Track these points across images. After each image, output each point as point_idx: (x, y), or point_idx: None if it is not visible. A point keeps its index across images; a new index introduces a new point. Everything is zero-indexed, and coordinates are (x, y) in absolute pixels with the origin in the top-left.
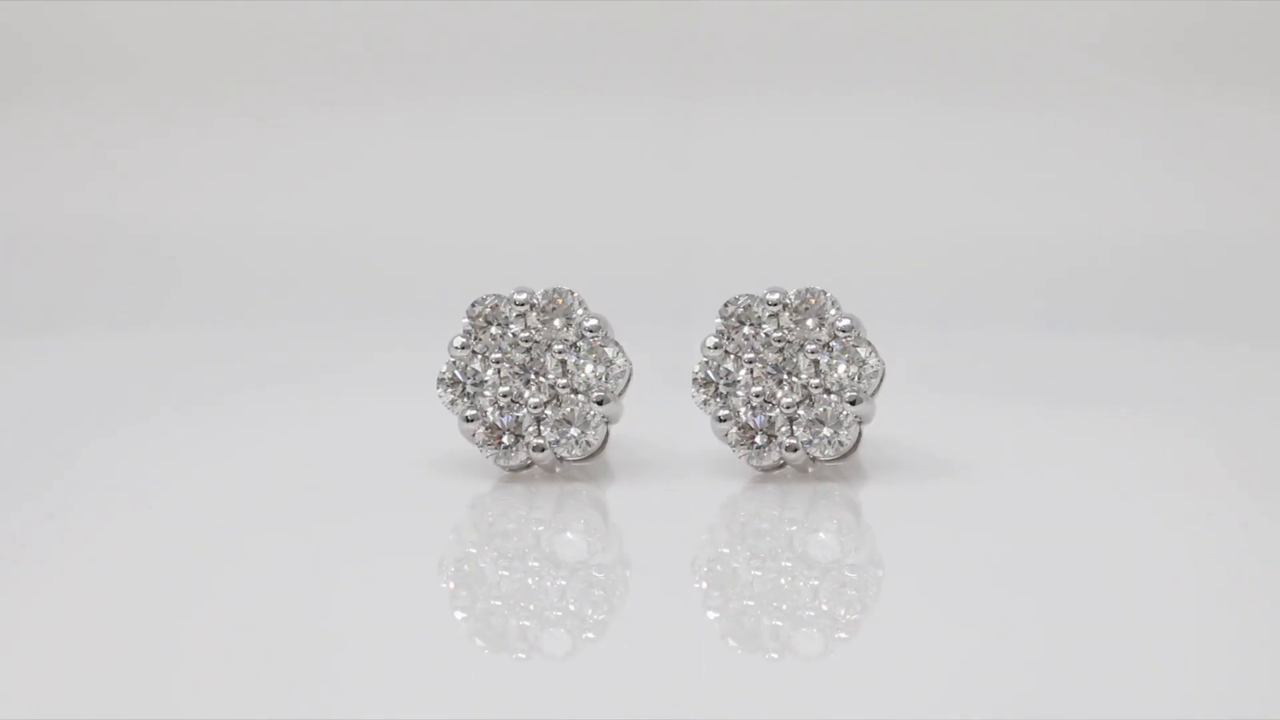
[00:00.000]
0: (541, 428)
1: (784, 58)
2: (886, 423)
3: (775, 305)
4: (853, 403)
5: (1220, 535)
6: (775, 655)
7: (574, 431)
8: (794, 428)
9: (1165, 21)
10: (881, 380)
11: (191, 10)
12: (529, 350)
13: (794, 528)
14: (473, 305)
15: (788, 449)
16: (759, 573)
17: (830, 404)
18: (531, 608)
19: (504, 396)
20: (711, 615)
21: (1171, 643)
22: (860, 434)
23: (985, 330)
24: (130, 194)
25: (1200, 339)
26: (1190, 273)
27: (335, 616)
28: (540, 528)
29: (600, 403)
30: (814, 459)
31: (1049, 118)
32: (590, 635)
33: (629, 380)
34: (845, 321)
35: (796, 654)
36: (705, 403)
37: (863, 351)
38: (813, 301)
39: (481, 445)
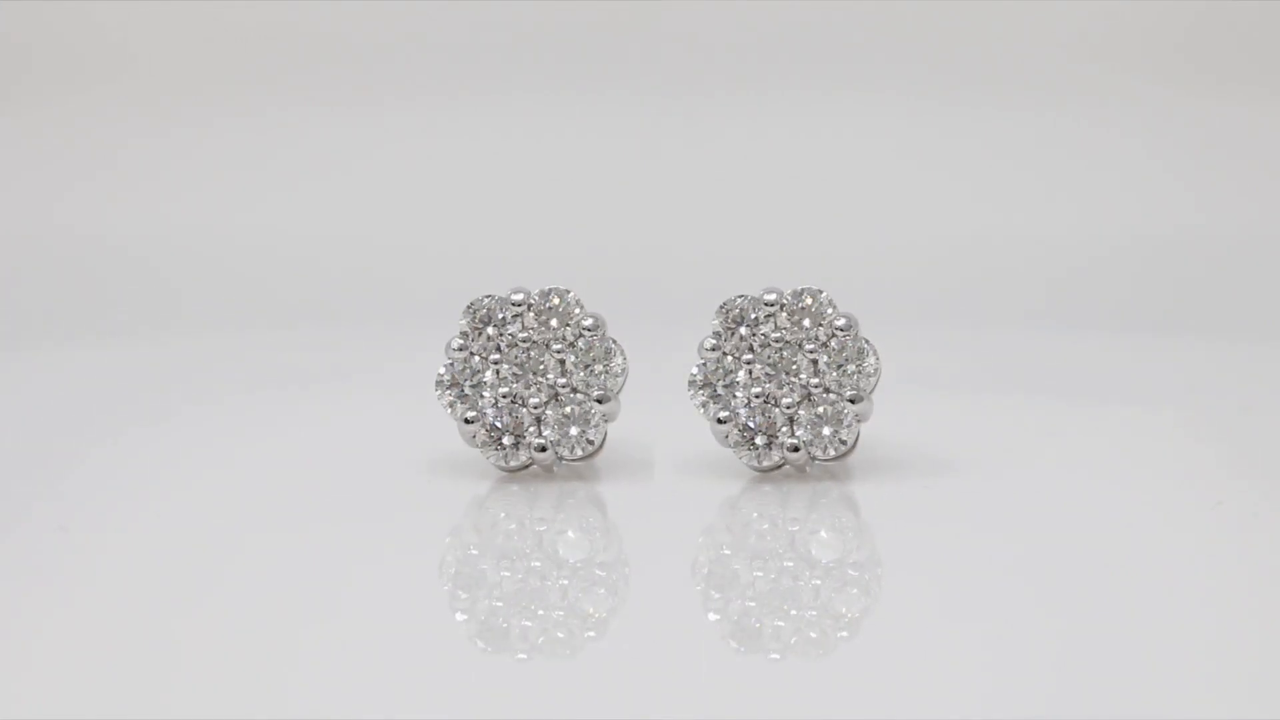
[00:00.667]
0: (542, 428)
1: (782, 58)
2: (883, 422)
3: (772, 305)
4: (853, 401)
5: (1231, 525)
6: (777, 656)
7: (575, 431)
8: (794, 428)
9: (1162, 21)
10: (878, 379)
11: (187, 11)
12: (527, 350)
13: (796, 528)
14: (469, 306)
15: (790, 449)
16: (760, 573)
17: (830, 403)
18: (533, 608)
19: (504, 397)
20: (713, 617)
21: (1185, 637)
22: (859, 433)
23: (981, 329)
24: (125, 199)
25: (1199, 337)
26: (1187, 271)
27: (336, 618)
28: (542, 528)
29: (600, 401)
30: (814, 458)
31: (1045, 117)
32: (591, 634)
33: (625, 378)
34: (843, 321)
35: (798, 654)
36: (704, 405)
37: (861, 350)
38: (809, 301)
39: (482, 446)
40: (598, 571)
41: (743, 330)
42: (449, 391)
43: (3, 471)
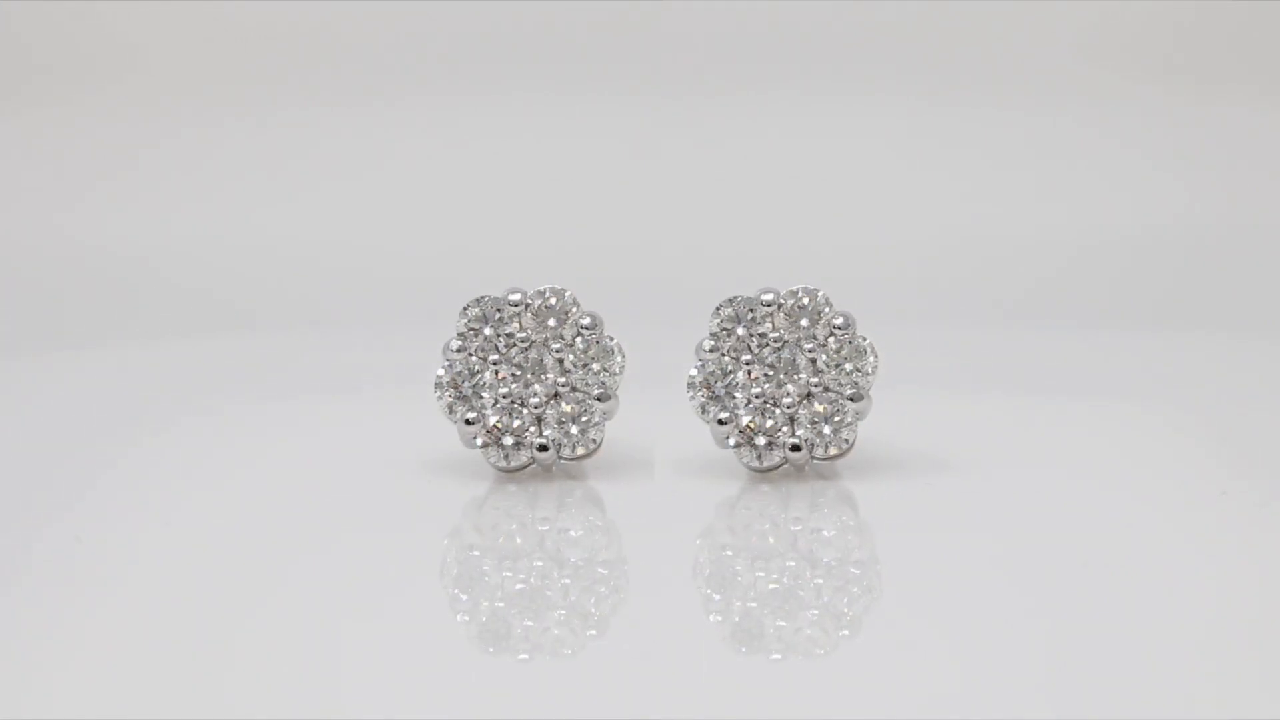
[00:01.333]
0: (543, 427)
1: (780, 58)
2: (883, 421)
3: (769, 305)
4: (853, 399)
5: (1231, 521)
6: (778, 656)
7: (575, 430)
8: (795, 427)
9: (1156, 21)
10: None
11: (182, 11)
12: (526, 350)
13: (797, 528)
14: (466, 307)
15: (791, 449)
16: (762, 574)
17: (830, 402)
18: (535, 608)
19: (504, 397)
20: (714, 617)
21: (1186, 636)
22: (857, 431)
23: (978, 327)
24: (121, 204)
25: (1190, 332)
26: (1177, 267)
27: (338, 621)
28: (544, 527)
29: (600, 399)
30: (814, 458)
31: (1036, 117)
32: (593, 632)
33: (622, 376)
34: (841, 319)
35: (800, 654)
36: (703, 407)
37: (859, 348)
38: (806, 301)
39: (483, 447)
40: (600, 570)
41: (740, 331)
42: (448, 393)
43: (4, 480)
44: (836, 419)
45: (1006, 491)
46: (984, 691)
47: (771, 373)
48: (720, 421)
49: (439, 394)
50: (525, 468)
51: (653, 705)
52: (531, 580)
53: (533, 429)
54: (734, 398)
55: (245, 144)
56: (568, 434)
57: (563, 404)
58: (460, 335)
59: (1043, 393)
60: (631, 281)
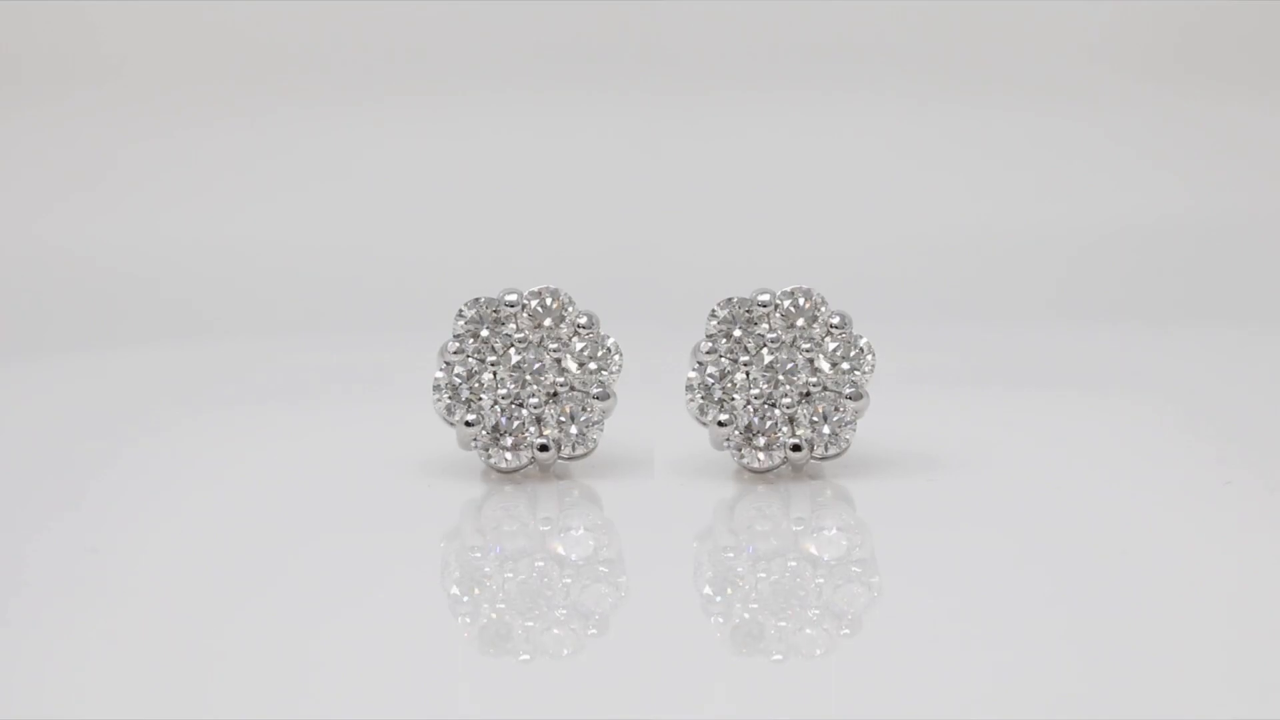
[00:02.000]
0: (542, 427)
1: (778, 58)
2: (882, 419)
3: (765, 306)
4: (852, 398)
5: (1235, 514)
6: (779, 656)
7: (574, 430)
8: (795, 427)
9: (1158, 19)
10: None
11: (161, 13)
12: (523, 350)
13: (799, 527)
14: (462, 309)
15: (791, 449)
16: (764, 574)
17: (829, 401)
18: (535, 608)
19: (503, 398)
20: (716, 619)
21: (1192, 631)
22: (856, 430)
23: (976, 324)
24: (114, 208)
25: (1192, 329)
26: (1178, 264)
27: (338, 621)
28: (546, 528)
29: (599, 398)
30: (814, 458)
31: (1036, 115)
32: (593, 632)
33: (619, 374)
34: (837, 318)
35: (801, 654)
36: (702, 409)
37: (856, 347)
38: (802, 300)
39: (483, 449)
40: (600, 569)
41: (737, 332)
42: (447, 394)
43: (5, 486)
44: (836, 418)
45: (1007, 488)
46: (985, 691)
47: (769, 373)
48: (720, 424)
49: (437, 396)
50: (525, 468)
51: (653, 705)
52: (533, 580)
53: (532, 429)
54: (733, 399)
55: (238, 149)
56: (567, 434)
57: (562, 404)
58: (457, 337)
59: (1043, 389)
60: (631, 281)
